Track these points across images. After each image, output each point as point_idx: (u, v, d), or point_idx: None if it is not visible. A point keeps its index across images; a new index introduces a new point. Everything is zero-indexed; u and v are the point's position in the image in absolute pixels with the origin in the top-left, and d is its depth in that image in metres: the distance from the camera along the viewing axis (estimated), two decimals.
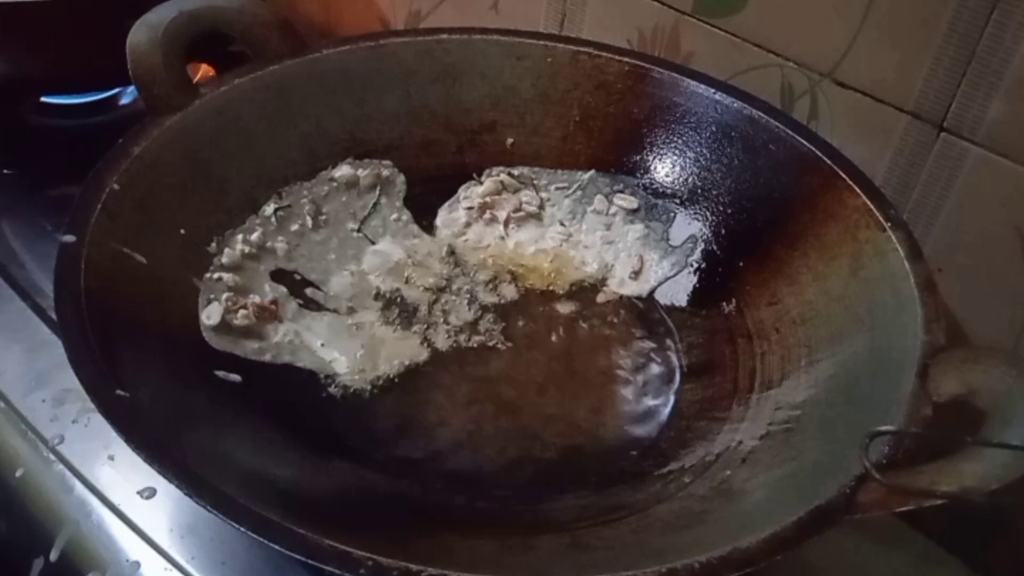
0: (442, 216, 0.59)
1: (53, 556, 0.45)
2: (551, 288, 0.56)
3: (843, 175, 0.49)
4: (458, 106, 0.58)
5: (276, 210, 0.54)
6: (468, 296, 0.55)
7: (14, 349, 0.54)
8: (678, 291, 0.55)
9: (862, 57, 0.50)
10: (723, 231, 0.54)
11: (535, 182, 0.59)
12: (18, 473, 0.48)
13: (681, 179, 0.56)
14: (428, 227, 0.58)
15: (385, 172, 0.58)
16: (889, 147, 0.51)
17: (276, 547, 0.34)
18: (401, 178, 0.58)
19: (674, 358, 0.52)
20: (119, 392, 0.38)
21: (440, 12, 0.71)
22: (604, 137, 0.58)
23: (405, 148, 0.58)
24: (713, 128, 0.55)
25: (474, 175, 0.59)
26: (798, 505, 0.36)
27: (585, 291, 0.56)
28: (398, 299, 0.54)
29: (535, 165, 0.59)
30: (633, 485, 0.45)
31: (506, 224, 0.58)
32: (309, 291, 0.54)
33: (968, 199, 0.49)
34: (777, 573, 0.34)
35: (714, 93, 0.55)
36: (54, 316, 0.41)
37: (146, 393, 0.40)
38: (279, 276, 0.53)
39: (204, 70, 0.70)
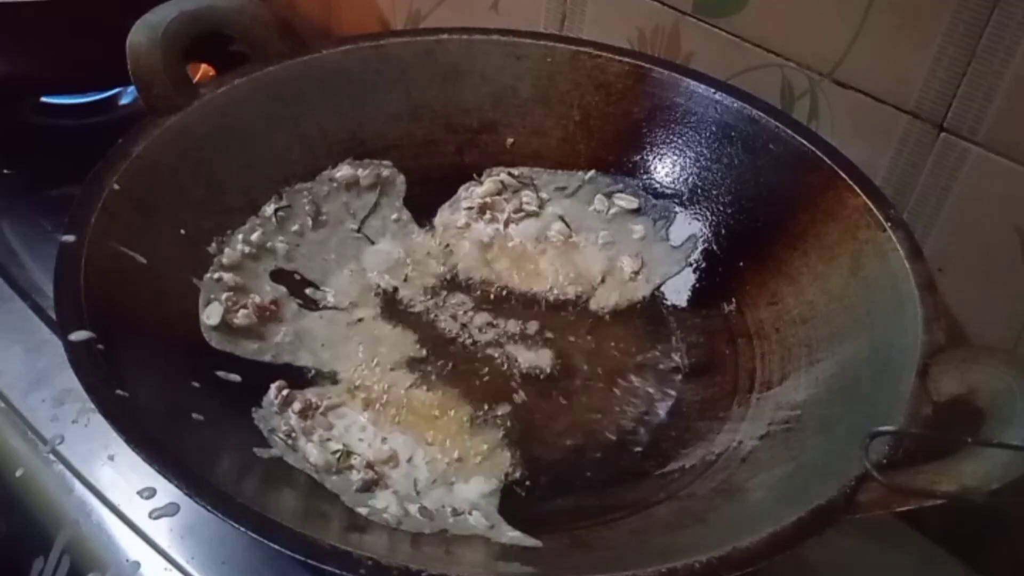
0: (442, 216, 0.59)
1: (53, 556, 0.45)
2: (551, 288, 0.56)
3: (843, 175, 0.49)
4: (458, 106, 0.58)
5: (276, 210, 0.54)
6: (467, 296, 0.55)
7: (14, 349, 0.54)
8: (678, 291, 0.55)
9: (862, 57, 0.50)
10: (723, 231, 0.54)
11: (535, 182, 0.59)
12: (18, 473, 0.48)
13: (681, 179, 0.56)
14: (428, 227, 0.58)
15: (385, 172, 0.58)
16: (889, 147, 0.51)
17: (276, 547, 0.34)
18: (401, 178, 0.58)
19: (674, 358, 0.52)
20: (119, 392, 0.38)
21: (440, 12, 0.71)
22: (604, 137, 0.58)
23: (405, 148, 0.58)
24: (713, 128, 0.55)
25: (474, 175, 0.59)
26: (798, 505, 0.36)
27: (585, 291, 0.55)
28: (398, 299, 0.54)
29: (535, 165, 0.59)
30: (633, 485, 0.45)
31: (506, 224, 0.58)
32: (309, 291, 0.54)
33: (968, 199, 0.49)
34: (777, 573, 0.34)
35: (714, 93, 0.55)
36: (54, 316, 0.41)
37: (146, 393, 0.40)
38: (279, 276, 0.53)
39: (204, 70, 0.70)
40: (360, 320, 0.53)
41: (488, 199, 0.58)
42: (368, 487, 0.43)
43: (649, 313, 0.55)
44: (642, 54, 0.58)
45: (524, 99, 0.58)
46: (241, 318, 0.49)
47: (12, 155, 0.70)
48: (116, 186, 0.47)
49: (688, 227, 0.56)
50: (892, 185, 0.51)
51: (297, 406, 0.47)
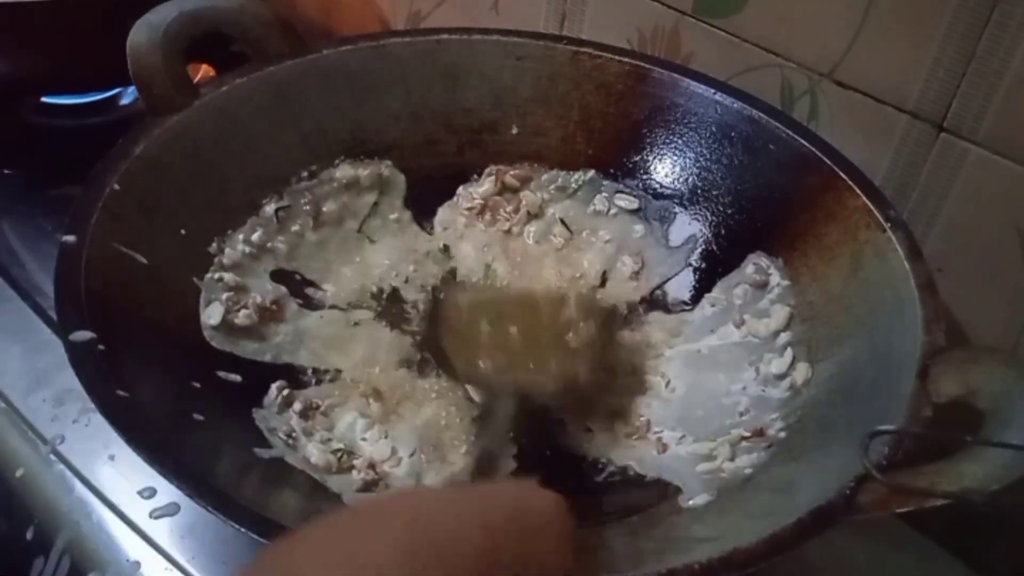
0: (442, 216, 0.59)
1: (53, 556, 0.45)
2: (551, 288, 0.56)
3: (843, 175, 0.49)
4: (458, 106, 0.58)
5: (276, 210, 0.54)
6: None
7: (14, 349, 0.54)
8: (679, 291, 0.55)
9: (862, 57, 0.50)
10: (723, 231, 0.54)
11: (535, 182, 0.59)
12: (18, 473, 0.48)
13: (681, 179, 0.56)
14: (428, 227, 0.58)
15: (385, 172, 0.58)
16: (889, 147, 0.51)
17: None
18: (401, 178, 0.58)
19: None
20: (119, 392, 0.38)
21: (440, 12, 0.71)
22: (604, 137, 0.58)
23: (405, 148, 0.58)
24: (713, 128, 0.55)
25: (474, 175, 0.59)
26: (798, 505, 0.36)
27: (586, 292, 0.55)
28: (398, 299, 0.54)
29: (535, 165, 0.59)
30: (633, 486, 0.46)
31: (506, 224, 0.58)
32: (309, 291, 0.54)
33: (968, 199, 0.49)
34: (777, 573, 0.34)
35: (714, 93, 0.55)
36: (54, 316, 0.41)
37: (146, 393, 0.40)
38: (279, 276, 0.53)
39: (204, 70, 0.70)
40: (360, 320, 0.53)
41: (488, 199, 0.58)
42: (369, 487, 0.43)
43: (649, 313, 0.55)
44: (642, 54, 0.58)
45: (524, 99, 0.58)
46: (242, 318, 0.49)
47: (12, 155, 0.70)
48: (117, 186, 0.47)
49: (688, 227, 0.56)
50: (892, 185, 0.51)
51: (298, 406, 0.47)
